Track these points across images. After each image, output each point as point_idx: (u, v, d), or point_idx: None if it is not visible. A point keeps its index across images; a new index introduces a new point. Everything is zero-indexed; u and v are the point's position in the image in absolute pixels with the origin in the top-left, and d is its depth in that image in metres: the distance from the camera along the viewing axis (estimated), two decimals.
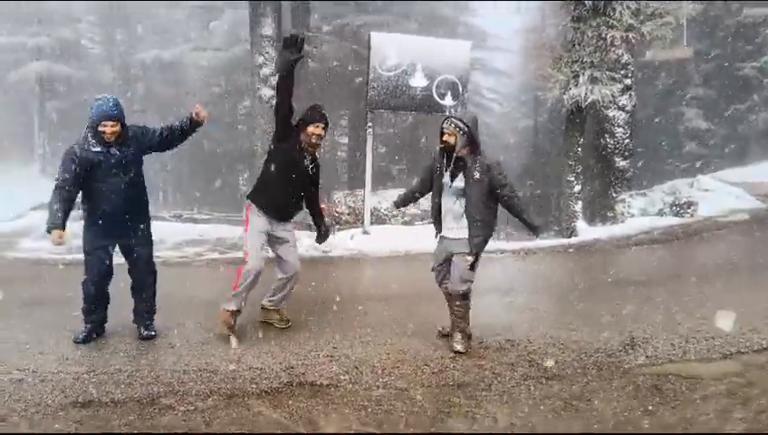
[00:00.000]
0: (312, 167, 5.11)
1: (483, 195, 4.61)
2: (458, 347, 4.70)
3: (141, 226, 4.87)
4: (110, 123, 4.48)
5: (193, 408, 3.67)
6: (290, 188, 5.02)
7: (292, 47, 4.72)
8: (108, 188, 4.57)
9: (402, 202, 5.38)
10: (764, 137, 19.66)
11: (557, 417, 3.59)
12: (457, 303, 4.77)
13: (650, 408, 3.68)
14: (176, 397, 3.83)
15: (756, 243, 8.72)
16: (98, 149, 4.52)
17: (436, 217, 4.90)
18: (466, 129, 4.60)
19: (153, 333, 4.95)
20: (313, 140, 4.96)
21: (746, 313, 5.40)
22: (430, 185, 4.95)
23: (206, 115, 4.79)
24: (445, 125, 4.67)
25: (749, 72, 19.38)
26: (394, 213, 10.39)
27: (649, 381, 4.09)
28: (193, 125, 4.87)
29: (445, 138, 4.65)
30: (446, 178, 4.72)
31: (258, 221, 4.98)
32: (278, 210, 5.05)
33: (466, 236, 4.69)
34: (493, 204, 4.70)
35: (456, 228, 4.74)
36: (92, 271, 4.70)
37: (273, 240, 5.09)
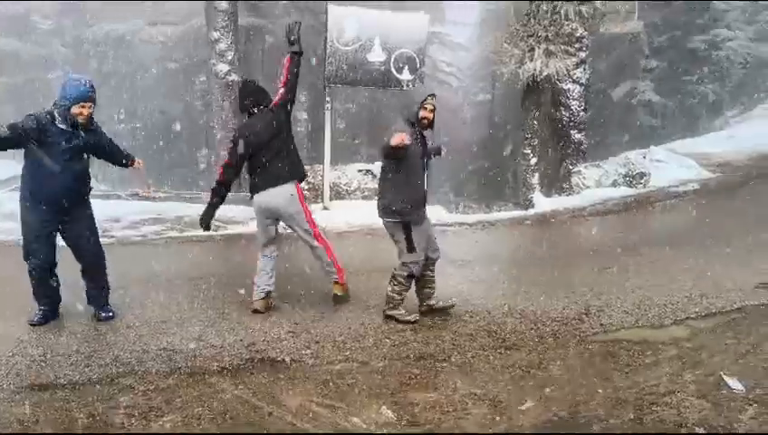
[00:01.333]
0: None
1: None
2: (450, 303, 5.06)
3: (85, 211, 4.73)
4: (88, 105, 4.40)
5: (153, 387, 3.64)
6: None
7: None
8: (61, 170, 4.41)
9: None
10: (713, 109, 20.16)
11: (515, 385, 3.68)
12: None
13: (605, 373, 3.80)
14: (135, 377, 3.79)
15: (705, 212, 8.98)
16: (63, 126, 4.40)
17: (422, 200, 4.82)
18: None
19: (111, 314, 4.87)
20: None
21: (696, 279, 5.60)
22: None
23: (140, 169, 5.18)
24: (430, 101, 4.79)
25: (699, 44, 19.76)
26: (353, 187, 10.37)
27: (604, 348, 4.22)
28: (124, 166, 5.11)
29: (427, 113, 4.76)
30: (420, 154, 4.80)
31: None
32: None
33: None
34: None
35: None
36: (37, 257, 4.54)
37: None
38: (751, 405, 3.27)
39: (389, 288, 4.87)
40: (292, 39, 5.10)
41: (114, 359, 4.06)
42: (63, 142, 4.40)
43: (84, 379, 3.76)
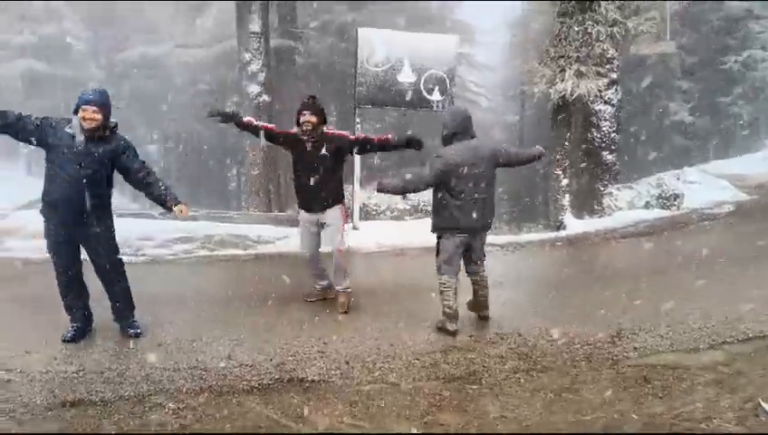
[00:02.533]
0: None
1: None
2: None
3: (101, 222, 4.69)
4: (91, 109, 4.42)
5: (184, 405, 3.66)
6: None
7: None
8: (69, 176, 4.46)
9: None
10: (748, 129, 19.85)
11: (547, 409, 3.62)
12: None
13: (639, 398, 3.72)
14: (166, 395, 3.82)
15: (741, 234, 8.80)
16: (70, 131, 4.48)
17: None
18: None
19: (138, 331, 4.91)
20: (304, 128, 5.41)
21: (732, 303, 5.47)
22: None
23: (184, 214, 4.78)
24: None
25: (732, 65, 19.55)
26: (382, 208, 10.39)
27: (638, 372, 4.13)
28: (162, 206, 4.91)
29: None
30: None
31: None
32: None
33: None
34: None
35: None
36: (60, 257, 4.64)
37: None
38: None
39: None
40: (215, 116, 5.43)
41: (145, 377, 4.10)
42: (68, 148, 4.46)
43: (116, 396, 3.79)
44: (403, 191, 5.47)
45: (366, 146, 5.65)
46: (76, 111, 4.46)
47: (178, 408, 3.63)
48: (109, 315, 5.00)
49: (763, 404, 3.49)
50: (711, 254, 7.75)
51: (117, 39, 26.71)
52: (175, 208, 4.77)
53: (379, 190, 5.29)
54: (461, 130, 5.04)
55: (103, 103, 4.50)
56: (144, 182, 4.81)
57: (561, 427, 3.39)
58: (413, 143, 5.45)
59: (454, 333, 4.98)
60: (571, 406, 3.66)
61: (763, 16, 19.69)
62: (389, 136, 5.56)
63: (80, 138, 4.48)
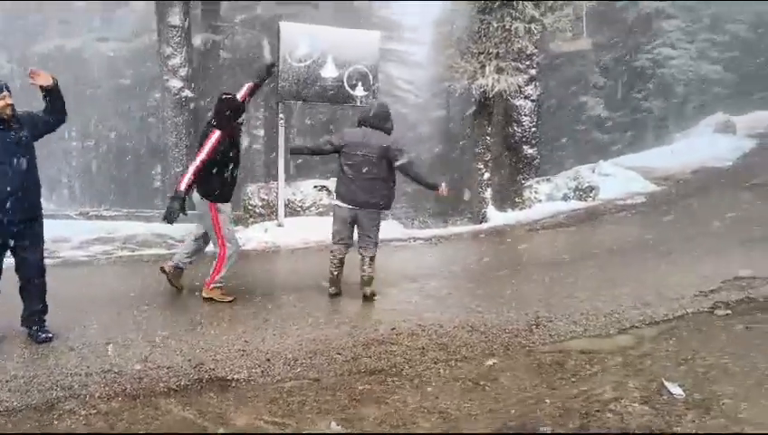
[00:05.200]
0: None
1: None
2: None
3: (34, 220, 4.60)
4: (3, 94, 4.30)
5: (95, 411, 3.54)
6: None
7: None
8: (9, 167, 4.34)
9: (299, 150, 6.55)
10: (659, 124, 20.83)
11: (465, 397, 3.71)
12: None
13: (553, 383, 3.87)
14: (77, 401, 3.68)
15: (651, 223, 9.25)
16: None
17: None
18: None
19: (49, 335, 4.70)
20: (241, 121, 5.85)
21: (640, 289, 5.76)
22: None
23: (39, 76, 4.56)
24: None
25: (644, 62, 20.45)
26: (308, 204, 10.31)
27: (552, 359, 4.29)
28: (45, 93, 4.65)
29: None
30: None
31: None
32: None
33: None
34: None
35: None
36: None
37: None
38: (690, 409, 3.37)
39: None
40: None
41: (55, 383, 3.93)
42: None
43: (22, 405, 3.63)
44: (310, 152, 6.40)
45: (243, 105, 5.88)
46: None
47: (89, 414, 3.51)
48: (11, 319, 4.77)
49: (667, 384, 3.69)
50: (623, 243, 8.13)
51: (30, 32, 25.42)
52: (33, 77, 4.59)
53: (292, 152, 6.50)
54: (366, 119, 5.77)
55: (7, 86, 4.38)
56: (46, 121, 4.71)
57: (478, 414, 3.48)
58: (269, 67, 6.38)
59: (333, 295, 5.90)
60: (489, 394, 3.76)
61: (673, 16, 20.71)
62: (252, 84, 6.10)
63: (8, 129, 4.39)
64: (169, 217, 5.35)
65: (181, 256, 6.07)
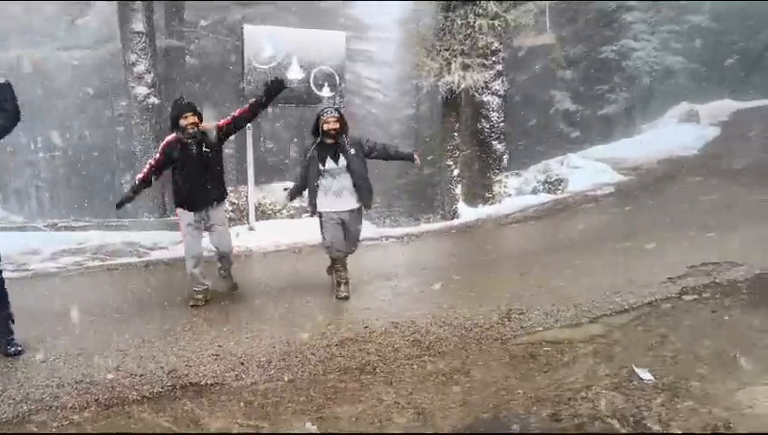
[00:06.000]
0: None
1: (364, 165, 5.66)
2: (346, 294, 5.78)
3: None
4: None
5: (67, 422, 3.49)
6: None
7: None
8: None
9: (292, 195, 6.17)
10: (626, 116, 21.14)
11: (439, 392, 3.72)
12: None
13: (525, 374, 3.90)
14: (48, 413, 3.62)
15: (619, 213, 9.39)
16: None
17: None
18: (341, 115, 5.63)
19: (19, 348, 4.62)
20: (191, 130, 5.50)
21: (610, 278, 5.84)
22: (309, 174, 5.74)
23: None
24: (330, 115, 5.53)
25: (609, 54, 20.72)
26: (279, 207, 10.29)
27: (524, 350, 4.32)
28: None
29: (331, 125, 5.49)
30: (330, 161, 5.60)
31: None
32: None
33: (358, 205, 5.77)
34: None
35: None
36: None
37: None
38: (659, 394, 3.42)
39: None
40: None
41: (26, 396, 3.86)
42: None
43: None
44: (304, 187, 6.03)
45: (240, 123, 5.77)
46: None
47: (61, 425, 3.46)
48: None
49: (637, 370, 3.75)
50: (592, 233, 8.25)
51: None
52: None
53: (292, 198, 6.34)
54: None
55: None
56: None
57: (452, 408, 3.50)
58: (275, 84, 5.68)
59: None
60: (462, 387, 3.78)
61: (635, 8, 21.00)
62: (254, 100, 5.77)
63: None
64: (119, 203, 5.77)
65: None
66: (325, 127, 5.52)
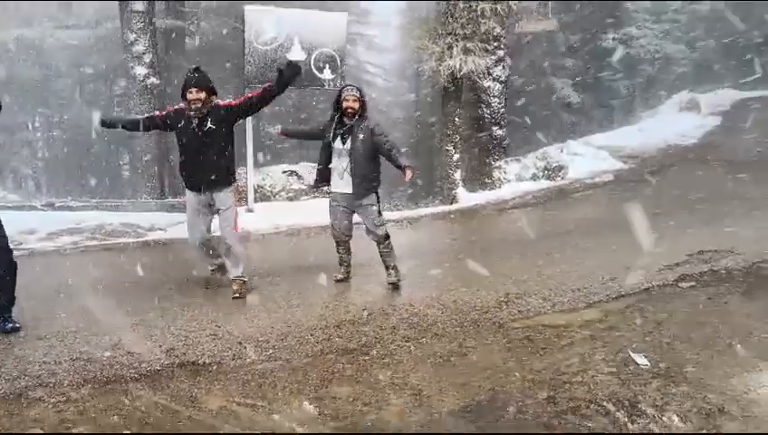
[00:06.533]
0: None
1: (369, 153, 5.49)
2: (393, 279, 5.64)
3: None
4: None
5: (65, 399, 3.50)
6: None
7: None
8: None
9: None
10: (626, 104, 21.07)
11: (436, 374, 3.74)
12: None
13: (522, 358, 3.92)
14: (46, 389, 3.63)
15: (618, 200, 9.38)
16: None
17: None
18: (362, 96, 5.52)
19: (17, 325, 4.63)
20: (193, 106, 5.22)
21: (608, 264, 5.85)
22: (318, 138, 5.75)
23: None
24: (350, 93, 5.45)
25: (610, 42, 20.60)
26: (277, 189, 10.27)
27: (522, 333, 4.34)
28: None
29: (350, 103, 5.40)
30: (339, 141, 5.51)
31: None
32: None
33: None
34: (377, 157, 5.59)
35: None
36: None
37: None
38: (655, 378, 3.45)
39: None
40: None
41: (23, 372, 3.88)
42: None
43: None
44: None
45: (252, 104, 5.42)
46: None
47: (59, 401, 3.47)
48: None
49: (633, 355, 3.77)
50: (591, 220, 8.26)
51: None
52: None
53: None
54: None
55: None
56: None
57: (449, 389, 3.52)
58: (290, 69, 5.28)
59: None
60: (459, 369, 3.80)
61: None
62: (268, 84, 5.42)
63: None
64: (104, 119, 5.58)
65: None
66: (344, 104, 5.42)
